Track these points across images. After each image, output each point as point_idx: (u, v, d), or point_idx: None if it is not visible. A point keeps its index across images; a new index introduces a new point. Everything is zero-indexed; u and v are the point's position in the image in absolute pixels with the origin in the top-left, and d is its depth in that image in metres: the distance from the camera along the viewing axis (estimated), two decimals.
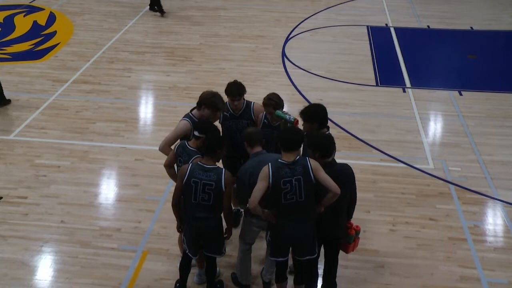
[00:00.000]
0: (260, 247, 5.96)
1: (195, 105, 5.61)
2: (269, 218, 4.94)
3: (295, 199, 4.77)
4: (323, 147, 4.88)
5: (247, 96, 5.95)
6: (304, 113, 5.27)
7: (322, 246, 5.28)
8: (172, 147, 5.53)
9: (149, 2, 13.76)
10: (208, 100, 5.45)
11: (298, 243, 5.01)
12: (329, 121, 5.39)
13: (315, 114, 5.25)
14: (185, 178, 4.93)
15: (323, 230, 5.08)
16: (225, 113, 5.84)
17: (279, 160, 4.81)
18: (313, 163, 4.77)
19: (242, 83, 5.89)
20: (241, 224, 5.69)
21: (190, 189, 4.94)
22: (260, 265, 5.84)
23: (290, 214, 4.85)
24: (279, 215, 4.90)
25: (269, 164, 4.78)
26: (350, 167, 5.11)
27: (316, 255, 5.11)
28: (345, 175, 4.99)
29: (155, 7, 13.60)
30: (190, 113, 5.61)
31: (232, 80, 5.96)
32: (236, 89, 5.78)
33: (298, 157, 4.82)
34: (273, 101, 5.60)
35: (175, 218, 5.32)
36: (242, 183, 5.05)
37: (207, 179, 4.90)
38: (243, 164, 5.30)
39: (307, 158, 4.82)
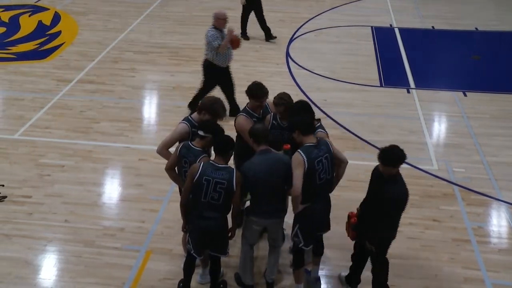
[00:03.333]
0: (263, 247, 5.95)
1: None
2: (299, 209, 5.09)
3: (325, 177, 5.05)
4: (396, 159, 5.09)
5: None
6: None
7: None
8: (170, 149, 5.51)
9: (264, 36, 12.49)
10: (209, 106, 5.41)
11: (324, 221, 5.29)
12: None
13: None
14: (197, 176, 4.93)
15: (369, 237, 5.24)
16: (253, 119, 5.70)
17: (306, 144, 5.02)
18: (329, 141, 5.21)
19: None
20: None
21: (201, 187, 4.93)
22: (265, 265, 5.83)
23: (320, 194, 5.09)
24: (308, 200, 5.03)
25: (299, 150, 4.99)
26: (408, 192, 5.09)
27: None
28: (401, 196, 5.04)
29: (269, 35, 12.38)
30: (189, 116, 5.59)
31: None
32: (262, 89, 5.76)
33: (318, 138, 5.12)
34: (285, 101, 5.55)
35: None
36: (244, 180, 5.04)
37: (219, 178, 4.92)
38: (248, 160, 5.25)
39: (324, 138, 5.21)
